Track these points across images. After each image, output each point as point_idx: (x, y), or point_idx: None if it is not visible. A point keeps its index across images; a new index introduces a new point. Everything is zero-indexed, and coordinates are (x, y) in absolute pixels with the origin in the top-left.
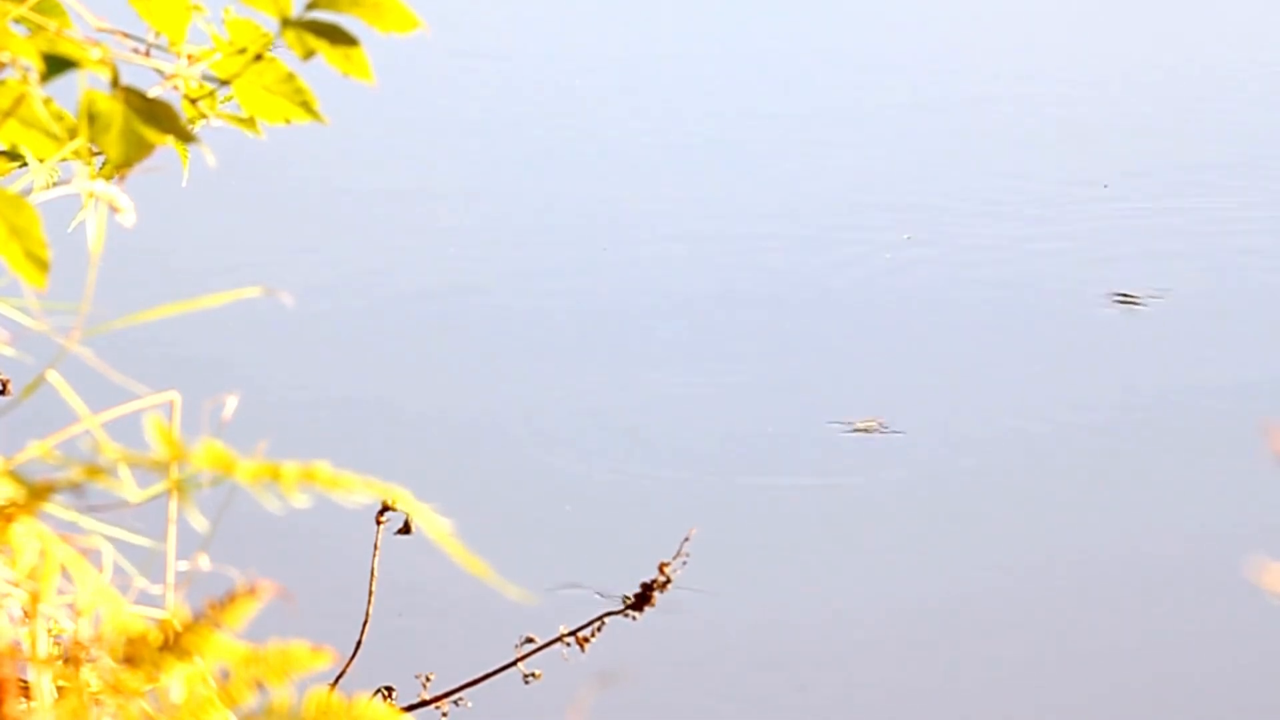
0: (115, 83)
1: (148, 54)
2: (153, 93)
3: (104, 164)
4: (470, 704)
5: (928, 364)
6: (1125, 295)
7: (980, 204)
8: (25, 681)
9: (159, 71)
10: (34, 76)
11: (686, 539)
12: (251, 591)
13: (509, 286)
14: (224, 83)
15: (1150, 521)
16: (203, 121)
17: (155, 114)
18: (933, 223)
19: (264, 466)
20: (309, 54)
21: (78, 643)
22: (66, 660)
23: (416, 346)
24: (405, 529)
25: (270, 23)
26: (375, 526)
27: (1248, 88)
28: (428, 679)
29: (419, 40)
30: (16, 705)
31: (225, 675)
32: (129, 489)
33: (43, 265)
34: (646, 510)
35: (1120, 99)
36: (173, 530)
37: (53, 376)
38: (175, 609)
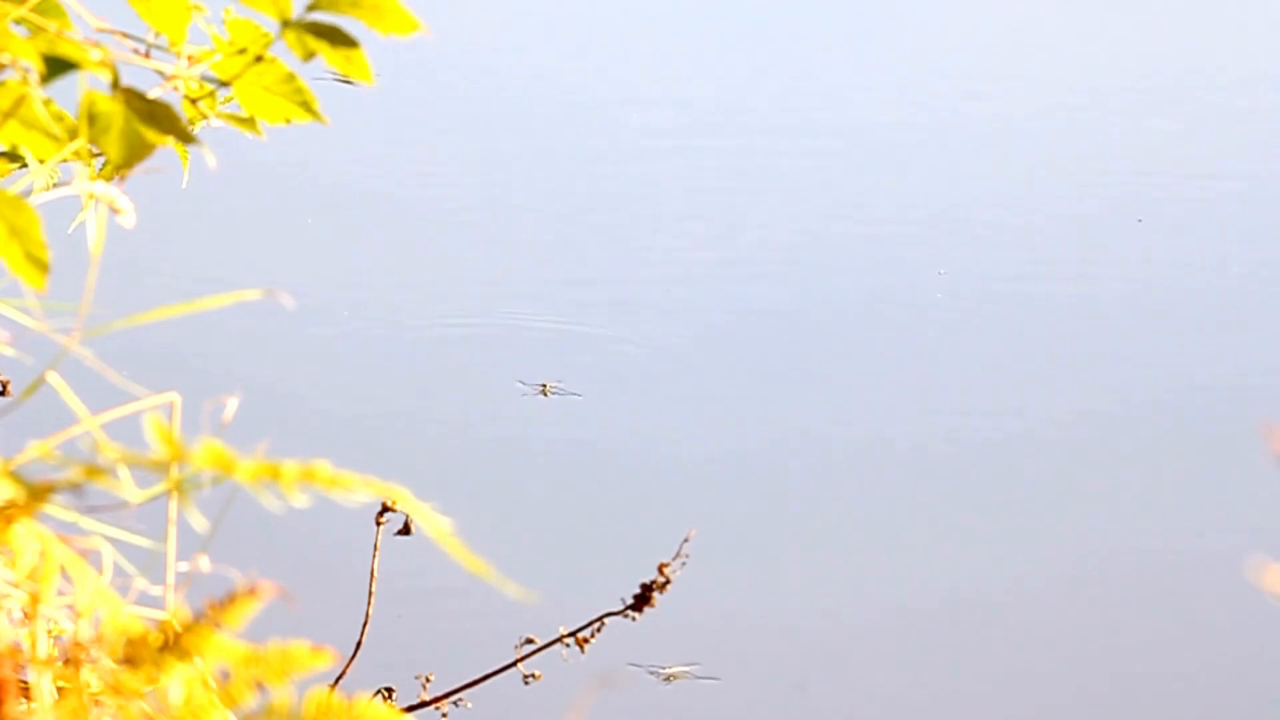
0: (115, 84)
1: (148, 55)
2: (153, 93)
3: (104, 165)
4: (470, 704)
5: (925, 366)
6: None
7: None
8: (25, 682)
9: (159, 72)
10: (34, 78)
11: (686, 539)
12: (251, 591)
13: (508, 291)
14: (224, 83)
15: (1147, 523)
16: (203, 122)
17: (155, 115)
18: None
19: (264, 466)
20: (309, 55)
21: (78, 644)
22: (66, 661)
23: (416, 347)
24: (405, 529)
25: (270, 23)
26: (375, 526)
27: None
28: (428, 679)
29: (423, 42)
30: (16, 706)
31: (225, 675)
32: (129, 489)
33: (43, 266)
34: (649, 510)
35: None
36: (173, 531)
37: (53, 377)
38: (175, 609)
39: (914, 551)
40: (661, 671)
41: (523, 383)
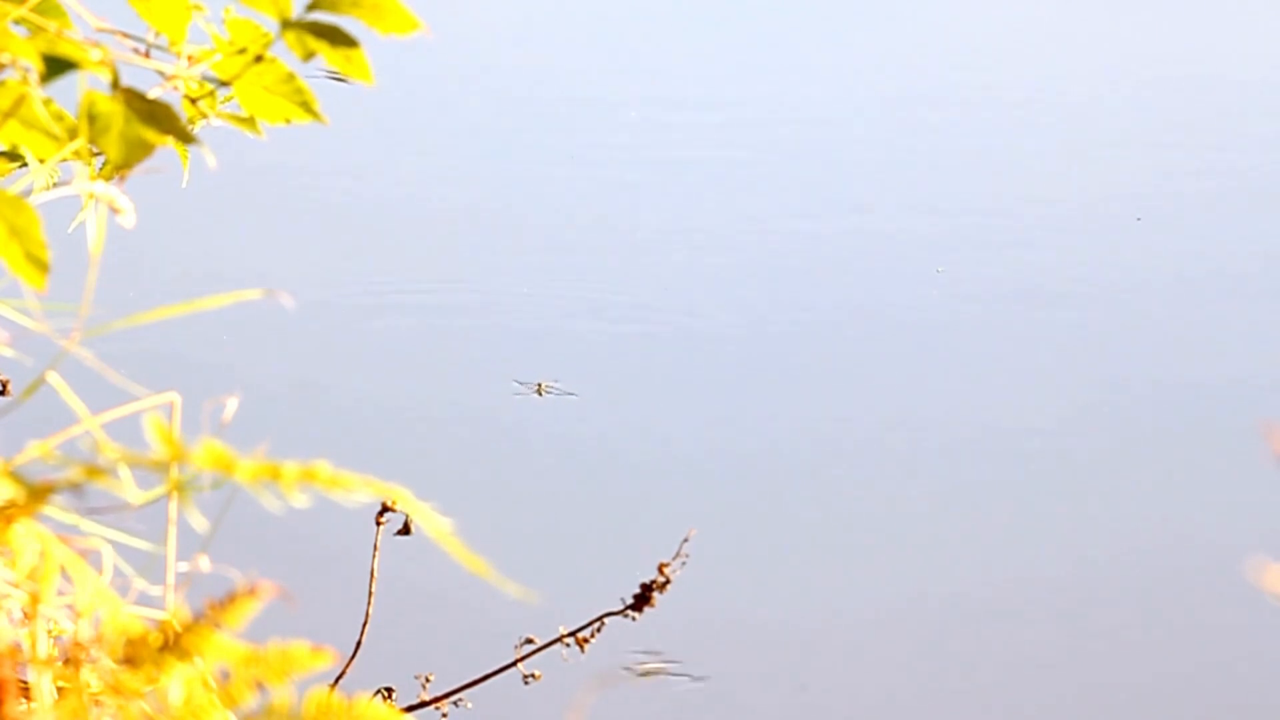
0: (115, 84)
1: (148, 55)
2: (153, 93)
3: (104, 165)
4: (470, 704)
5: (924, 365)
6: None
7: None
8: (25, 682)
9: (159, 72)
10: (34, 77)
11: (686, 539)
12: (251, 591)
13: (505, 291)
14: (224, 83)
15: (1148, 523)
16: (203, 122)
17: (155, 115)
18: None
19: (264, 466)
20: (309, 55)
21: (77, 644)
22: (66, 661)
23: (416, 348)
24: (405, 529)
25: (270, 23)
26: (375, 526)
27: None
28: (428, 679)
29: (423, 42)
30: (17, 706)
31: (225, 676)
32: (129, 490)
33: (43, 266)
34: (649, 510)
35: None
36: (173, 531)
37: (53, 378)
38: (175, 609)
39: (914, 551)
40: (650, 669)
41: (518, 382)
